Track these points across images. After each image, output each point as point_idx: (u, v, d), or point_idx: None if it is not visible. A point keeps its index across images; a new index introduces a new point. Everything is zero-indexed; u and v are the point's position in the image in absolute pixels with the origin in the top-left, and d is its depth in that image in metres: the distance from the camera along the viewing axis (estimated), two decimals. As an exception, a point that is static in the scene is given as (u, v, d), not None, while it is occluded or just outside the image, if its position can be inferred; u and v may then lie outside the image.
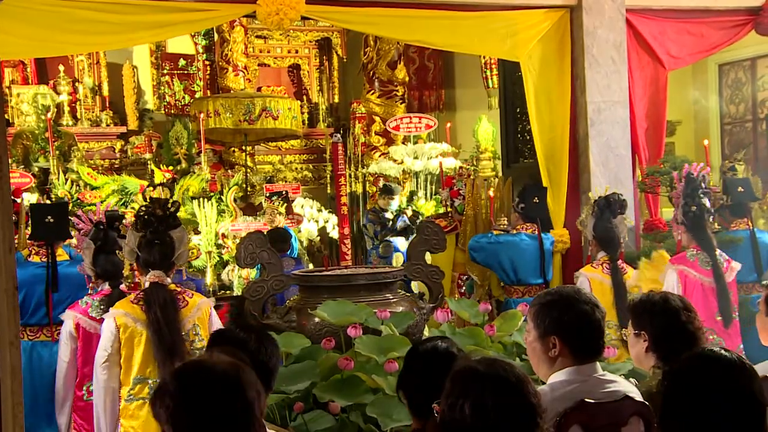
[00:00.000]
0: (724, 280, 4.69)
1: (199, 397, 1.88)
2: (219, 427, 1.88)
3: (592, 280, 4.87)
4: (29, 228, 5.26)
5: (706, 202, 4.81)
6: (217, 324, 4.06)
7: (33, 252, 5.05)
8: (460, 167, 8.31)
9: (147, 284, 3.91)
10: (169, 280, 3.96)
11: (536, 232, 5.73)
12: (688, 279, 4.72)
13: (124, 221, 4.47)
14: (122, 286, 4.37)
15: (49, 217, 4.94)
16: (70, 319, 4.21)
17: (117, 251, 4.29)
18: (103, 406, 3.84)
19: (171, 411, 1.88)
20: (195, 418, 1.88)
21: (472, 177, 7.15)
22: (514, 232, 5.83)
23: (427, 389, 2.35)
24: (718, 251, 4.81)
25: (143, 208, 3.99)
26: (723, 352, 2.03)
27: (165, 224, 3.95)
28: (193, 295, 4.03)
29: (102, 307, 4.10)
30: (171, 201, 4.08)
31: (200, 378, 1.91)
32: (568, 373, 2.58)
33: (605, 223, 4.97)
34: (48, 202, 7.88)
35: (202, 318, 3.97)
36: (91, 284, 4.43)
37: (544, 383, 2.63)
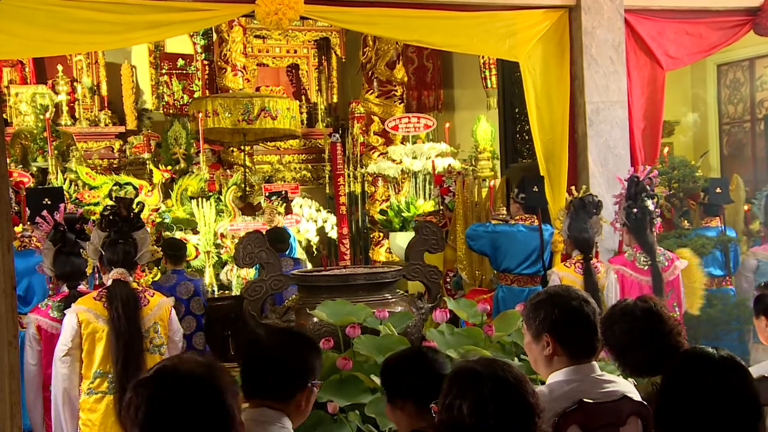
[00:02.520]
0: (662, 279, 4.79)
1: (174, 404, 1.76)
2: None
3: (564, 279, 4.90)
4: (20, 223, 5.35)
5: (650, 205, 4.90)
6: (176, 323, 4.21)
7: (35, 240, 5.19)
8: (449, 165, 8.32)
9: (110, 281, 4.00)
10: (131, 278, 4.06)
11: (534, 223, 5.77)
12: (626, 278, 4.83)
13: (87, 224, 4.53)
14: (81, 287, 4.44)
15: (46, 200, 5.08)
16: (32, 322, 4.28)
17: (76, 253, 4.37)
18: (63, 399, 3.93)
19: (142, 420, 1.76)
20: (169, 427, 1.76)
21: (462, 174, 7.20)
22: (513, 222, 5.89)
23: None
24: (661, 250, 4.94)
25: (108, 208, 4.10)
26: (715, 351, 2.03)
27: (129, 225, 4.07)
28: (154, 294, 4.16)
29: (62, 308, 4.18)
30: (136, 202, 4.20)
31: (174, 384, 1.79)
32: (566, 374, 2.59)
33: (580, 224, 5.01)
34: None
35: (162, 316, 4.10)
36: (50, 285, 4.54)
37: (544, 383, 2.63)
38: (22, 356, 4.42)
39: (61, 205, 4.57)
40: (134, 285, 4.08)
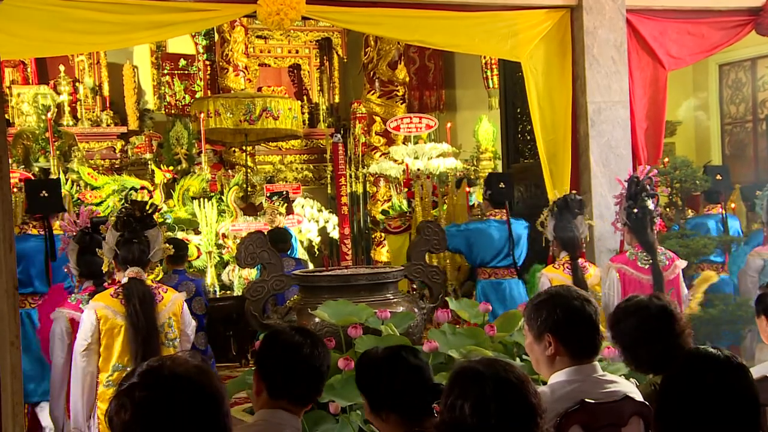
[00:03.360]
0: (662, 277, 4.83)
1: (166, 406, 1.70)
2: None
3: (553, 280, 4.93)
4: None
5: (650, 205, 4.95)
6: (188, 317, 4.41)
7: (31, 225, 5.50)
8: (418, 169, 8.37)
9: (126, 279, 4.18)
10: (145, 276, 4.26)
11: (504, 218, 6.02)
12: (626, 276, 4.86)
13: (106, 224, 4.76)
14: (105, 284, 4.60)
15: (44, 192, 5.37)
16: (63, 317, 4.44)
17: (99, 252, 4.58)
18: (81, 390, 4.11)
19: (130, 423, 1.69)
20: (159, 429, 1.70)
21: (429, 178, 7.40)
22: (485, 218, 6.16)
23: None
24: (661, 250, 4.99)
25: (123, 210, 4.33)
26: (717, 351, 2.03)
27: (142, 224, 4.27)
28: (167, 290, 4.36)
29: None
30: (149, 204, 4.46)
31: (161, 385, 1.72)
32: (567, 374, 2.59)
33: (565, 224, 5.08)
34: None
35: (176, 311, 4.30)
36: (75, 282, 4.73)
37: (546, 383, 2.63)
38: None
39: (82, 208, 4.83)
40: (149, 282, 4.27)
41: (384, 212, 9.68)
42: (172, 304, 4.29)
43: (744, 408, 1.94)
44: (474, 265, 6.18)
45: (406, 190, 7.32)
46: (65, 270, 4.79)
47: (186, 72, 12.55)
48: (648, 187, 4.98)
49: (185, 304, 4.42)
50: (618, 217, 5.07)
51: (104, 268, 4.41)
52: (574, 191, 5.42)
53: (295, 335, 2.58)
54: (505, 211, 6.06)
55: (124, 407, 1.69)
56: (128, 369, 3.98)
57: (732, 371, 1.97)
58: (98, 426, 4.11)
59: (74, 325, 4.39)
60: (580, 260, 5.08)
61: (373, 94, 11.28)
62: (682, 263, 5.05)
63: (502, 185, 6.11)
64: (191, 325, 4.45)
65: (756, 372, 3.10)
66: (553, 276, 5.00)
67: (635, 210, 4.92)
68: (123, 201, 7.95)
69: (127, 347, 4.08)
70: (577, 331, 2.61)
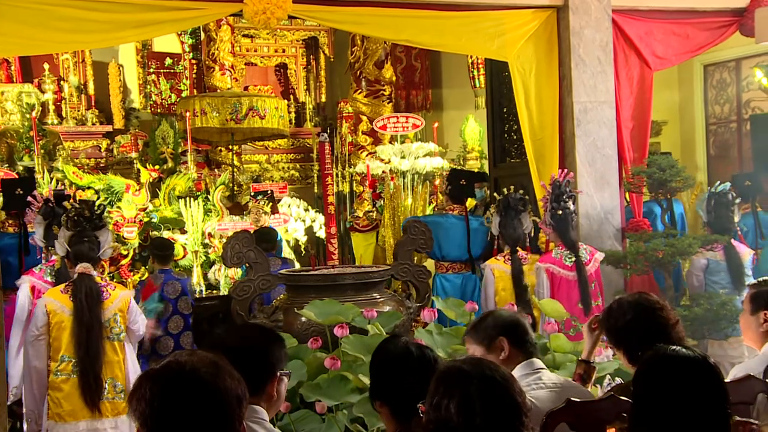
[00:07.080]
0: (585, 273, 5.24)
1: (175, 405, 1.77)
2: None
3: (494, 270, 5.47)
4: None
5: (571, 206, 5.41)
6: (136, 314, 4.78)
7: (8, 224, 5.91)
8: (383, 171, 8.42)
9: (76, 275, 4.54)
10: (95, 272, 4.63)
11: (463, 213, 6.34)
12: (554, 275, 5.28)
13: (70, 200, 5.14)
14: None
15: (19, 190, 5.65)
16: (26, 282, 4.92)
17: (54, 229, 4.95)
18: (33, 376, 4.43)
19: (146, 415, 1.78)
20: (170, 426, 1.77)
21: (387, 181, 7.52)
22: (443, 213, 6.51)
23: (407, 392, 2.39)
24: (582, 246, 5.43)
25: (74, 209, 4.69)
26: (684, 350, 2.06)
27: (92, 224, 4.65)
28: (115, 287, 4.73)
29: (53, 272, 4.87)
30: (97, 204, 4.85)
31: (177, 384, 1.80)
32: (523, 368, 2.83)
33: (508, 221, 5.51)
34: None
35: (122, 308, 4.67)
36: (42, 254, 5.16)
37: None
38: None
39: (50, 186, 5.09)
40: (98, 279, 4.61)
41: (369, 212, 9.69)
42: (119, 301, 4.63)
43: (713, 404, 1.96)
44: (432, 258, 6.42)
45: (371, 191, 7.48)
46: (31, 242, 5.19)
47: (172, 71, 12.49)
48: (568, 189, 5.42)
49: (133, 301, 4.79)
50: (544, 219, 5.46)
51: (56, 266, 4.79)
52: (521, 191, 5.72)
53: (230, 333, 2.80)
54: (463, 206, 6.37)
55: (138, 398, 1.80)
56: (73, 360, 4.44)
57: (700, 369, 2.00)
58: (48, 411, 4.42)
59: (35, 292, 4.84)
60: (522, 253, 5.51)
61: (359, 93, 11.27)
62: (600, 255, 5.49)
63: (462, 182, 6.42)
64: (138, 321, 4.81)
65: (741, 370, 3.12)
66: (495, 266, 5.50)
67: (558, 211, 5.35)
68: (111, 198, 7.93)
69: (72, 340, 4.43)
70: (521, 330, 2.90)
